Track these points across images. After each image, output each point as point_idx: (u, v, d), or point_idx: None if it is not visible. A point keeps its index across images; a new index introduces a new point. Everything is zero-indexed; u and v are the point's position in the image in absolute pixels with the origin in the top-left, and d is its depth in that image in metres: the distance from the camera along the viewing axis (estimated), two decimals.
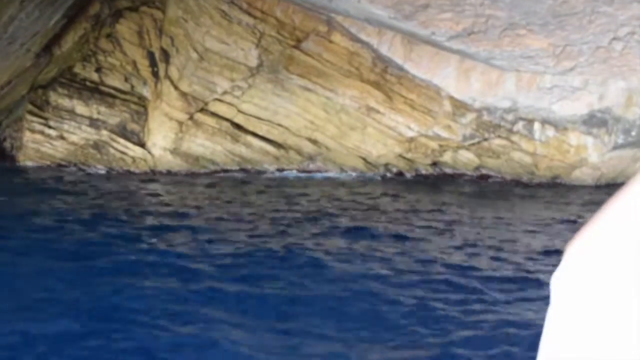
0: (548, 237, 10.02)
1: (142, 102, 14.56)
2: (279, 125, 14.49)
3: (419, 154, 14.56)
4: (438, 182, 14.28)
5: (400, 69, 13.85)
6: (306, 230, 9.93)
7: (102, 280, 7.36)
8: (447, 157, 14.59)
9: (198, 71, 14.13)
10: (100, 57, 14.67)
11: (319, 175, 14.56)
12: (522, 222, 11.12)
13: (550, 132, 13.75)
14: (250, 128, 14.48)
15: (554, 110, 13.52)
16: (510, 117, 13.80)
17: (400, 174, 14.73)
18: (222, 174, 14.33)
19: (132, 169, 14.24)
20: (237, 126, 14.46)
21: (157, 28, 14.36)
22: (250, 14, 14.06)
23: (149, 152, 14.30)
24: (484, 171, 14.66)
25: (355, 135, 14.47)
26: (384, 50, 13.68)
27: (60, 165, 14.28)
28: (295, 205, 11.74)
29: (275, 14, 14.10)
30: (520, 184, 14.20)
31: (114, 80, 14.63)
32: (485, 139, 14.14)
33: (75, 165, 14.31)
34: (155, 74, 14.45)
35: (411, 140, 14.37)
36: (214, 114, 14.38)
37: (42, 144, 14.41)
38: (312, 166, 14.77)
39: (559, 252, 8.46)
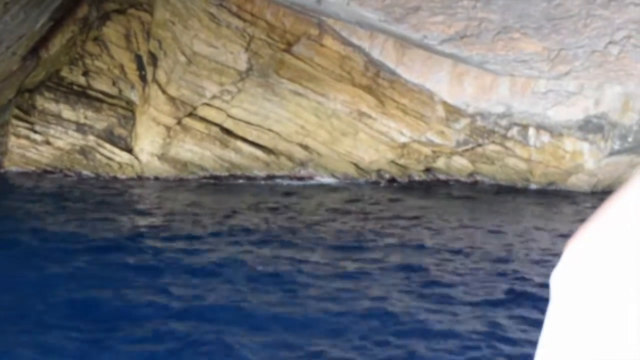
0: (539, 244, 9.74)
1: (130, 106, 14.29)
2: (270, 130, 14.21)
3: (411, 160, 14.28)
4: (431, 188, 13.99)
5: (393, 73, 13.58)
6: (291, 241, 9.64)
7: (74, 286, 7.12)
8: (440, 163, 14.31)
9: (186, 75, 13.86)
10: (88, 61, 14.41)
11: (311, 182, 14.27)
12: (515, 230, 10.84)
13: (546, 137, 13.47)
14: (240, 133, 14.20)
15: (549, 116, 13.25)
16: (504, 122, 13.53)
17: (393, 180, 14.43)
18: (211, 180, 14.04)
19: (119, 175, 13.96)
20: (227, 131, 14.18)
21: (145, 31, 14.10)
22: (239, 17, 13.79)
23: (136, 158, 14.02)
24: (478, 177, 14.38)
25: (347, 140, 14.19)
26: (375, 54, 13.41)
27: (45, 171, 14.00)
28: (284, 213, 11.45)
29: (265, 17, 13.83)
30: (514, 190, 13.91)
31: (101, 84, 14.37)
32: (479, 145, 13.86)
33: (61, 171, 14.03)
34: (143, 78, 14.18)
35: (404, 145, 14.09)
36: (203, 119, 14.10)
37: (28, 149, 14.13)
38: (303, 172, 14.49)
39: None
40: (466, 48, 12.01)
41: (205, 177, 14.13)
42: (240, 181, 14.01)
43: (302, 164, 14.44)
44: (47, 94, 14.29)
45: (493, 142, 13.75)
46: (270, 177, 14.28)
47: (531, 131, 13.49)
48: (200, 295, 7.19)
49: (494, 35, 11.79)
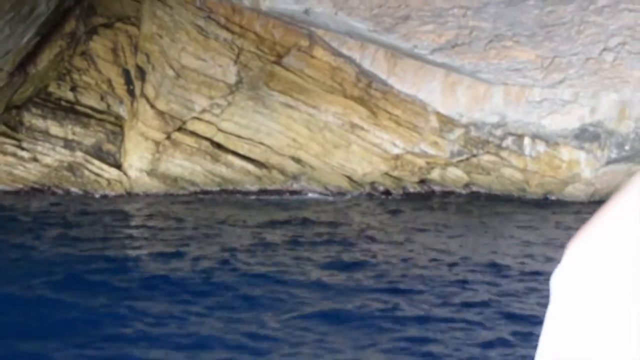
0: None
1: (118, 121, 14.06)
2: (261, 143, 13.98)
3: (405, 172, 14.03)
4: (426, 200, 13.72)
5: (385, 83, 13.37)
6: (286, 255, 9.39)
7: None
8: (435, 174, 14.06)
9: (175, 89, 13.64)
10: (75, 76, 14.18)
11: (303, 196, 14.01)
12: (510, 241, 10.59)
13: (541, 147, 13.24)
14: (231, 147, 13.97)
15: (544, 125, 13.02)
16: (498, 132, 13.30)
17: (387, 192, 14.16)
18: (201, 196, 13.78)
19: (108, 191, 13.70)
20: (217, 145, 13.94)
21: (133, 45, 13.88)
22: (228, 29, 13.59)
23: (125, 174, 13.77)
24: (474, 188, 14.13)
25: (340, 153, 13.95)
26: (366, 64, 13.20)
27: (33, 189, 13.74)
28: (276, 229, 11.19)
29: (254, 28, 13.63)
30: (510, 200, 13.65)
31: (89, 100, 14.14)
32: (474, 155, 13.62)
33: (49, 188, 13.77)
34: (131, 92, 13.95)
35: (397, 157, 13.85)
36: (193, 133, 13.87)
37: (15, 166, 13.88)
38: (295, 186, 14.23)
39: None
40: (458, 57, 11.80)
41: (195, 192, 13.87)
42: (232, 196, 13.76)
43: (295, 177, 14.19)
44: (34, 110, 14.06)
45: (488, 152, 13.52)
46: (263, 192, 14.01)
47: (526, 141, 13.26)
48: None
49: (486, 44, 11.59)
